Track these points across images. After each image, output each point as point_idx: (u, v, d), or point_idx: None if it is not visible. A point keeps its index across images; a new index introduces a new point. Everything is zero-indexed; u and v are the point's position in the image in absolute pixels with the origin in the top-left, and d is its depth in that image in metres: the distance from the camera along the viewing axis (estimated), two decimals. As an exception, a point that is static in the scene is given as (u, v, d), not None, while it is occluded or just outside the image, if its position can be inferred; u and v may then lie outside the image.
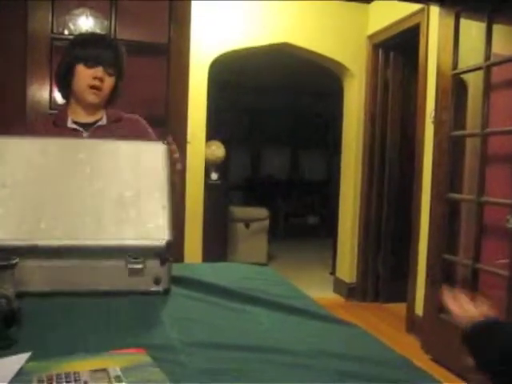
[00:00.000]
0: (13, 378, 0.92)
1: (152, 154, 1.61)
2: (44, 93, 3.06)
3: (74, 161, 1.54)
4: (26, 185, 1.49)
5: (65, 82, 1.98)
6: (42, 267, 1.42)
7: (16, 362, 0.99)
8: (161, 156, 1.60)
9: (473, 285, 3.10)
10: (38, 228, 1.42)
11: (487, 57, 3.05)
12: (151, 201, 1.51)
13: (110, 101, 2.04)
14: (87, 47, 1.94)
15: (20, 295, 1.13)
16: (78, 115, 2.00)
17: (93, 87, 1.93)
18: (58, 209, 1.47)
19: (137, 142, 1.68)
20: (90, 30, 3.19)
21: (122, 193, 1.51)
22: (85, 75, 1.92)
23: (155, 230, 1.48)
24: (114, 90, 2.01)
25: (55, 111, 2.56)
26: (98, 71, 1.92)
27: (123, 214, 1.48)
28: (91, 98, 1.95)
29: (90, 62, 1.91)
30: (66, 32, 3.17)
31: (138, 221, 1.48)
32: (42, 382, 0.90)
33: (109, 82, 1.96)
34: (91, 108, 2.00)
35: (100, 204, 1.49)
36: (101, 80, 1.93)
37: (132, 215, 1.48)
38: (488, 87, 3.08)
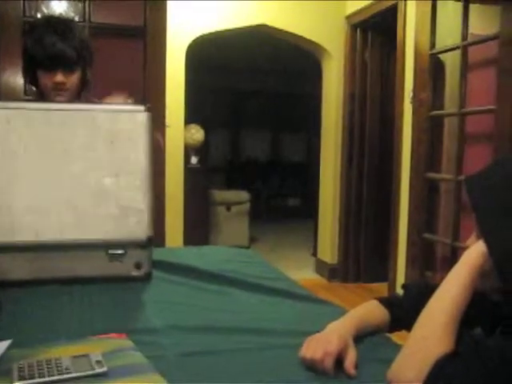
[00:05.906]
0: (-7, 366, 0.92)
1: (132, 123, 1.46)
2: (18, 79, 2.98)
3: (45, 137, 1.42)
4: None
5: (34, 81, 1.88)
6: (21, 256, 1.40)
7: (-4, 349, 0.98)
8: (142, 124, 1.47)
9: (452, 263, 3.14)
10: (13, 225, 1.37)
11: (464, 37, 3.06)
12: (131, 189, 1.45)
13: (82, 88, 1.93)
14: (41, 45, 1.76)
15: (0, 284, 1.12)
16: None
17: (56, 88, 1.82)
18: (33, 201, 1.39)
19: (115, 107, 1.53)
20: (63, 14, 3.13)
21: (101, 180, 1.44)
22: (45, 80, 1.81)
23: (136, 224, 1.45)
24: (83, 78, 1.90)
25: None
26: (58, 76, 1.79)
27: (102, 209, 1.42)
28: (58, 99, 1.84)
29: (48, 66, 1.78)
30: (39, 15, 3.10)
31: (118, 215, 1.43)
32: (23, 369, 0.89)
33: (73, 78, 1.84)
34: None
35: (78, 195, 1.42)
36: (62, 83, 1.81)
37: (112, 209, 1.43)
38: (465, 67, 3.10)
